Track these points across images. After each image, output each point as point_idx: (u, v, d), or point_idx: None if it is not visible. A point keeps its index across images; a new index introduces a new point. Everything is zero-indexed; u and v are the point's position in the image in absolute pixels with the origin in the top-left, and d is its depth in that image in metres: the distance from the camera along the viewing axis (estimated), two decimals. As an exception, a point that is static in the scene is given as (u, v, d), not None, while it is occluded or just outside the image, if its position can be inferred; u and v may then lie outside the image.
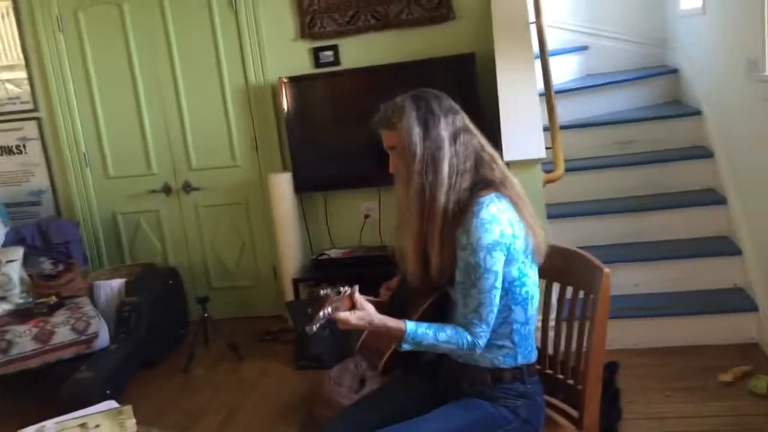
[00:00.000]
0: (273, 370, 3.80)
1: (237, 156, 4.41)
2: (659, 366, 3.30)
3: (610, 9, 5.09)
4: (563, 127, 4.19)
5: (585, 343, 1.97)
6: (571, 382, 2.03)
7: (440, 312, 1.95)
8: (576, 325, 2.02)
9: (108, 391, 3.32)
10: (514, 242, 1.81)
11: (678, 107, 4.50)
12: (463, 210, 1.81)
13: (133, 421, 2.27)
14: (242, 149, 4.39)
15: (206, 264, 4.60)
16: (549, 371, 2.11)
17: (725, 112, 3.73)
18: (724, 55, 3.66)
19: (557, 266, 2.07)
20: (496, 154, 1.93)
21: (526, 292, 1.87)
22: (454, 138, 1.85)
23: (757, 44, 3.02)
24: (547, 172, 3.54)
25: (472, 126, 1.92)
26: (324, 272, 4.06)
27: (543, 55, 3.85)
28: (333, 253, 4.16)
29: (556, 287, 2.13)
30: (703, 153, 4.03)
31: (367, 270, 3.89)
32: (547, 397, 2.07)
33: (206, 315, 4.06)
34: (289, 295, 4.11)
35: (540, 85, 3.78)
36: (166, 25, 4.31)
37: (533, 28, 3.84)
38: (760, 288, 3.33)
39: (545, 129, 3.72)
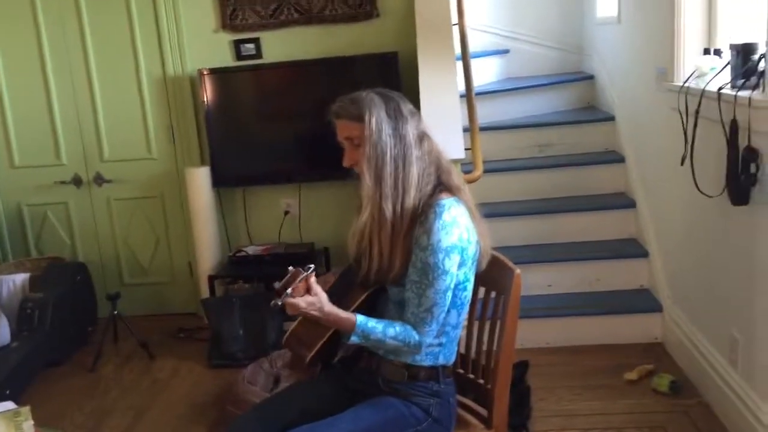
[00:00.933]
0: (186, 369, 3.70)
1: (153, 148, 4.28)
2: (569, 364, 3.39)
3: (530, 14, 5.19)
4: (483, 129, 4.24)
5: (495, 343, 1.98)
6: (481, 381, 2.05)
7: (373, 307, 1.96)
8: (487, 325, 2.04)
9: (7, 392, 3.18)
10: (468, 247, 1.85)
11: (593, 113, 4.63)
12: (424, 211, 1.82)
13: (31, 422, 2.16)
14: (159, 141, 4.26)
15: (118, 259, 4.45)
16: (460, 371, 2.12)
17: (636, 119, 3.86)
18: (637, 63, 3.79)
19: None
20: (451, 162, 1.95)
21: (465, 297, 1.90)
22: (420, 140, 1.86)
23: (667, 54, 3.13)
24: (467, 172, 3.57)
25: (429, 132, 1.93)
26: (241, 269, 3.99)
27: (465, 56, 3.88)
28: (251, 249, 4.08)
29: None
30: (615, 158, 4.16)
31: (286, 267, 3.82)
32: (458, 397, 2.08)
33: (116, 312, 3.92)
34: (205, 292, 4.01)
35: (461, 87, 3.82)
36: (79, 7, 4.13)
37: (456, 30, 3.88)
38: (664, 289, 3.46)
39: (465, 130, 3.76)
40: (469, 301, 1.93)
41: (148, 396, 3.44)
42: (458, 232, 1.80)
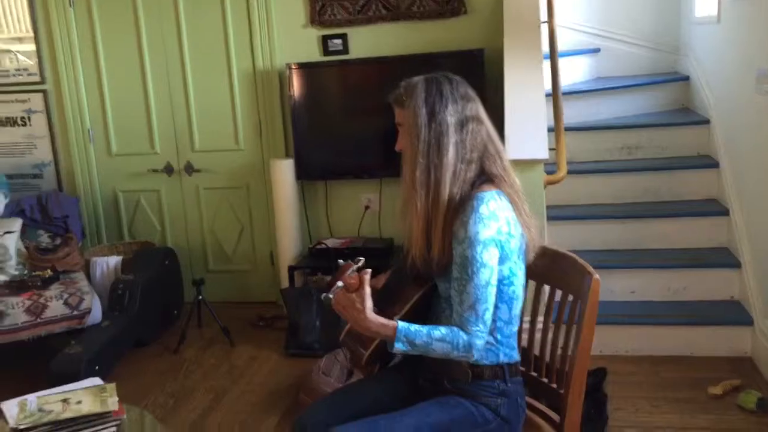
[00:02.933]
0: (263, 356, 3.79)
1: (241, 140, 4.40)
2: (650, 374, 3.28)
3: (624, 13, 5.04)
4: (571, 129, 4.18)
5: (571, 348, 1.94)
6: (554, 386, 2.01)
7: (429, 307, 1.94)
8: (563, 329, 2.00)
9: (96, 368, 3.33)
10: (510, 241, 1.81)
11: (687, 115, 4.46)
12: (463, 202, 1.80)
13: (116, 399, 2.26)
14: (246, 133, 4.38)
15: (204, 246, 4.60)
16: (534, 374, 2.09)
17: (733, 123, 3.69)
18: (736, 65, 3.62)
19: (549, 268, 2.05)
20: (502, 149, 1.92)
21: (513, 291, 1.86)
22: (461, 125, 1.83)
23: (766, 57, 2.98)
24: (550, 173, 3.51)
25: (484, 116, 1.90)
26: (320, 261, 4.05)
27: (553, 55, 3.81)
28: (330, 242, 4.14)
29: (546, 289, 2.11)
30: (708, 162, 3.99)
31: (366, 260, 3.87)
32: (530, 400, 2.06)
33: (200, 297, 4.05)
34: (285, 282, 4.09)
35: (548, 86, 3.76)
36: (177, 4, 4.29)
37: (545, 28, 3.82)
38: (756, 302, 3.30)
39: (550, 130, 3.69)
40: (521, 296, 1.90)
41: (226, 380, 3.54)
42: (497, 226, 1.77)
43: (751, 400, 2.91)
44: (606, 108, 4.55)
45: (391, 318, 1.81)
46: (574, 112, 4.39)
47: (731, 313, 3.45)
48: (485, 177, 1.84)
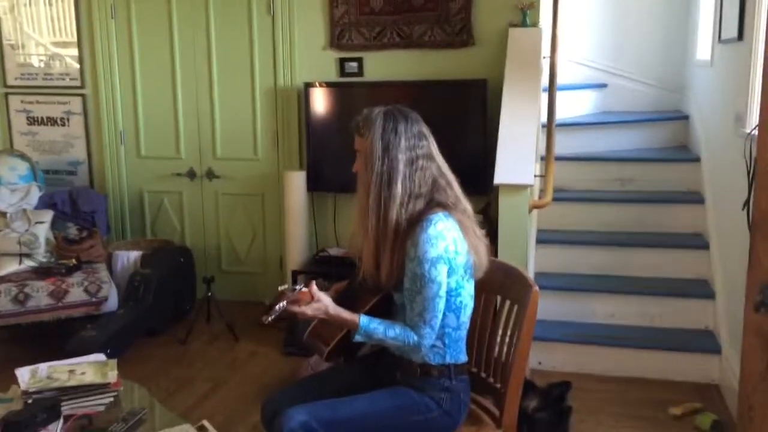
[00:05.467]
0: (262, 353, 4.07)
1: (259, 150, 4.71)
2: (618, 393, 3.48)
3: (632, 51, 5.25)
4: (570, 159, 4.40)
5: (511, 351, 2.17)
6: (497, 385, 2.24)
7: (383, 312, 2.18)
8: (507, 335, 2.23)
9: (108, 351, 3.62)
10: (456, 258, 2.04)
11: (683, 152, 4.65)
12: (413, 224, 2.02)
13: (115, 373, 2.55)
14: (264, 145, 4.69)
15: (219, 247, 4.91)
16: (483, 374, 2.32)
17: (716, 161, 3.89)
18: (722, 106, 3.82)
19: (499, 280, 2.28)
20: (453, 180, 2.14)
21: (460, 302, 2.10)
22: (411, 163, 2.05)
23: (743, 100, 3.19)
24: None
25: (436, 153, 2.12)
26: (322, 267, 4.31)
27: (551, 88, 4.04)
28: (333, 251, 4.41)
29: (497, 299, 2.34)
30: (696, 198, 4.18)
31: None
32: (477, 396, 2.29)
33: (210, 294, 4.35)
34: (289, 285, 4.36)
35: (544, 117, 3.99)
36: (209, 22, 4.64)
37: (548, 63, 4.06)
38: (725, 331, 3.48)
39: (543, 158, 3.93)
40: (468, 305, 2.13)
41: (226, 372, 3.82)
42: (444, 244, 2.00)
43: (706, 422, 3.09)
44: (607, 141, 4.76)
45: None
46: (576, 143, 4.61)
47: (702, 342, 3.63)
48: (434, 203, 2.06)
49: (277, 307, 2.03)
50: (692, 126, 4.72)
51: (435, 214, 2.02)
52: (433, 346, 2.09)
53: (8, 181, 4.37)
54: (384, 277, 2.07)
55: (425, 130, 2.12)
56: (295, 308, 2.04)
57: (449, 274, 2.04)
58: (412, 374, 2.12)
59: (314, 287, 2.08)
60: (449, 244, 2.01)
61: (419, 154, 2.06)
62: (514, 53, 3.94)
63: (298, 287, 2.09)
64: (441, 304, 2.03)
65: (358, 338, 2.06)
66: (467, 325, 2.16)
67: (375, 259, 2.09)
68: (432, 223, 2.00)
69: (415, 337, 2.03)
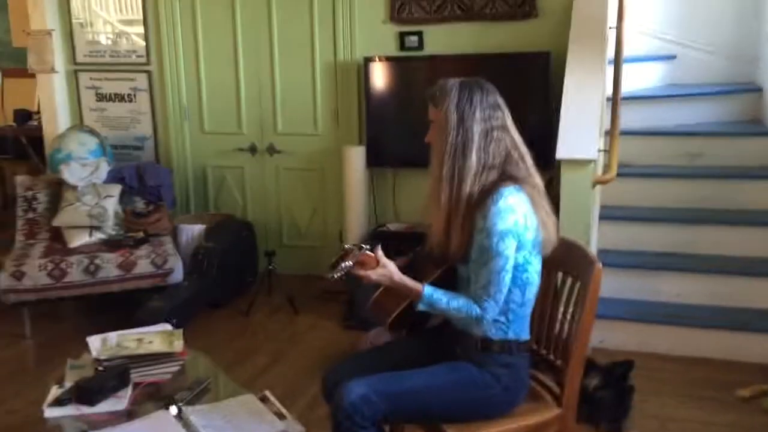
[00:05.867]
0: (322, 326, 4.12)
1: (319, 126, 4.74)
2: (683, 373, 3.40)
3: (702, 21, 5.03)
4: (636, 133, 4.27)
5: (573, 327, 2.14)
6: (557, 362, 2.21)
7: (447, 285, 2.16)
8: (569, 312, 2.20)
9: (174, 321, 3.73)
10: (525, 232, 2.02)
11: (755, 126, 4.46)
12: (485, 196, 2.02)
13: (181, 342, 2.64)
14: (324, 120, 4.71)
15: (280, 221, 4.98)
16: (544, 351, 2.29)
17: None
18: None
19: (561, 256, 2.24)
20: (526, 152, 2.12)
21: (527, 278, 2.08)
22: (486, 134, 2.04)
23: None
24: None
25: (510, 124, 2.10)
26: (381, 242, 4.30)
27: (617, 60, 3.91)
28: (393, 226, 4.43)
29: (558, 275, 2.30)
30: (769, 174, 4.02)
31: (423, 245, 4.12)
32: (538, 374, 2.27)
33: (271, 267, 4.43)
34: (349, 260, 4.40)
35: (610, 90, 3.88)
36: (270, -1, 4.68)
37: (613, 34, 3.94)
38: (798, 313, 3.36)
39: (607, 133, 3.83)
40: (535, 282, 2.10)
41: (287, 344, 3.89)
42: (514, 218, 1.98)
43: (776, 404, 3.00)
44: (675, 115, 4.58)
45: None
46: (643, 117, 4.46)
47: (773, 322, 3.51)
48: (506, 176, 2.05)
49: (342, 265, 2.03)
50: (765, 99, 4.51)
51: (506, 187, 2.01)
52: (496, 320, 2.07)
53: (78, 156, 4.51)
54: (453, 248, 2.07)
55: (500, 101, 2.10)
56: (361, 272, 2.05)
57: (517, 249, 2.02)
58: (472, 348, 2.11)
59: (380, 252, 2.08)
60: (519, 218, 2.00)
61: (494, 125, 2.05)
62: (579, 24, 3.84)
63: (364, 247, 2.08)
64: (507, 279, 2.01)
65: (421, 307, 2.06)
66: (532, 303, 2.14)
67: (446, 230, 2.08)
68: (503, 196, 1.99)
69: (478, 310, 2.02)
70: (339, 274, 2.04)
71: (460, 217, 2.04)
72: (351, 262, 2.04)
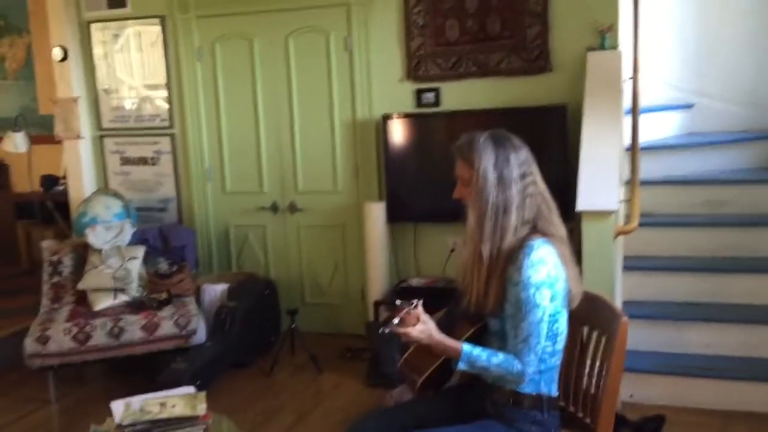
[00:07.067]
0: (346, 384, 4.08)
1: (339, 183, 4.78)
2: (715, 427, 3.31)
3: (719, 69, 5.04)
4: (656, 183, 4.26)
5: (600, 384, 2.10)
6: (588, 420, 2.17)
7: (478, 342, 2.15)
8: (596, 367, 2.17)
9: (198, 382, 3.70)
10: (556, 283, 2.04)
11: (777, 173, 4.43)
12: (515, 251, 2.04)
13: (204, 405, 2.61)
14: (344, 177, 4.76)
15: (302, 279, 4.98)
16: (572, 409, 2.25)
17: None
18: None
19: (586, 310, 2.22)
20: (554, 206, 2.14)
21: (557, 328, 2.08)
22: (523, 191, 2.07)
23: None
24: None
25: (539, 178, 2.13)
26: (403, 297, 4.28)
27: (634, 110, 3.95)
28: (415, 281, 4.41)
29: (584, 330, 2.28)
30: (794, 222, 3.97)
31: (444, 300, 4.09)
32: (566, 432, 2.23)
33: (293, 326, 4.41)
34: (371, 316, 4.39)
35: (628, 141, 3.89)
36: (289, 60, 4.77)
37: (630, 85, 3.97)
38: (833, 362, 3.27)
39: (628, 183, 3.82)
40: (564, 333, 2.09)
41: (311, 403, 3.86)
42: (546, 270, 2.00)
43: (816, 459, 2.89)
44: (695, 164, 4.55)
45: None
46: (661, 166, 4.45)
47: (808, 373, 3.41)
48: (536, 230, 2.07)
49: (394, 320, 2.04)
50: (787, 146, 4.49)
51: (535, 240, 2.03)
52: (531, 373, 2.05)
53: (104, 219, 4.58)
54: (491, 304, 2.07)
55: (530, 155, 2.13)
56: (401, 329, 2.04)
57: (550, 300, 2.02)
58: (503, 404, 2.08)
59: (421, 309, 2.08)
60: (551, 270, 2.02)
61: (528, 181, 2.08)
62: (594, 77, 3.88)
63: (414, 302, 2.08)
64: (544, 330, 2.02)
65: (460, 366, 2.05)
66: (561, 355, 2.12)
67: (486, 287, 2.08)
68: (534, 249, 2.01)
69: (519, 366, 2.01)
70: (389, 330, 2.05)
71: (498, 273, 2.06)
72: (397, 320, 2.04)
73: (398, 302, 2.12)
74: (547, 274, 2.00)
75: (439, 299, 4.29)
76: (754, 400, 3.43)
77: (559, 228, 2.12)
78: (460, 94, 4.41)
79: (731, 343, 3.64)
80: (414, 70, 4.48)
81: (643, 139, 3.99)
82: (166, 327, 4.03)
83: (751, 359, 3.57)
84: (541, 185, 2.13)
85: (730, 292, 3.84)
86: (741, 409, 3.43)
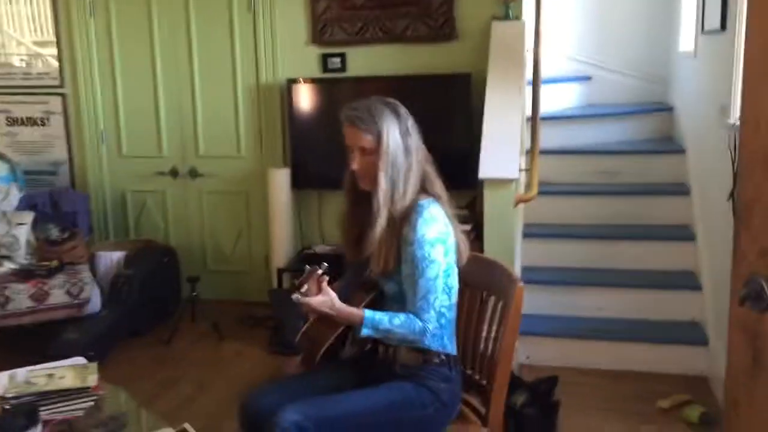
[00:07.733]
0: (248, 352, 4.03)
1: (242, 148, 4.66)
2: (606, 387, 3.46)
3: (616, 44, 5.23)
4: (554, 152, 4.38)
5: (495, 346, 2.15)
6: (484, 382, 2.21)
7: (377, 308, 2.15)
8: (493, 331, 2.21)
9: (91, 353, 3.57)
10: (448, 238, 2.08)
11: (668, 144, 4.64)
12: (407, 212, 2.06)
13: (95, 376, 2.50)
14: (247, 142, 4.64)
15: (204, 247, 4.86)
16: (469, 371, 2.29)
17: (701, 153, 3.88)
18: (706, 97, 3.81)
19: (484, 276, 2.26)
20: (433, 168, 2.17)
21: (452, 282, 2.11)
22: (417, 154, 2.10)
23: (727, 91, 3.17)
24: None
25: (420, 143, 2.15)
26: (309, 264, 4.26)
27: (536, 81, 4.00)
28: (319, 248, 4.38)
29: (482, 295, 2.31)
30: (682, 190, 4.17)
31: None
32: (464, 394, 2.27)
33: (194, 294, 4.31)
34: (275, 284, 4.33)
35: (529, 111, 3.96)
36: (189, 19, 4.59)
37: (531, 56, 4.03)
38: (712, 324, 3.47)
39: (528, 152, 3.90)
40: (455, 288, 2.12)
41: (211, 372, 3.78)
42: (437, 227, 2.05)
43: (694, 414, 3.08)
44: (592, 134, 4.74)
45: None
46: (561, 136, 4.58)
47: (690, 334, 3.62)
48: (423, 191, 2.11)
49: (304, 288, 2.01)
50: (677, 117, 4.71)
51: (425, 200, 2.08)
52: (433, 329, 2.06)
53: (-13, 183, 4.30)
54: (389, 266, 2.07)
55: (413, 120, 2.14)
56: (303, 299, 2.02)
57: (444, 255, 2.06)
58: (413, 362, 2.10)
59: (325, 280, 2.05)
60: (441, 227, 2.07)
61: (418, 145, 2.12)
62: (498, 47, 3.91)
63: (325, 265, 2.06)
64: (440, 286, 2.04)
65: (364, 332, 2.04)
66: (455, 309, 2.16)
67: (388, 250, 2.07)
68: (425, 208, 2.06)
69: (420, 323, 2.02)
70: (297, 297, 2.02)
71: (395, 236, 2.07)
72: (305, 287, 2.02)
73: (307, 267, 2.08)
74: (438, 231, 2.05)
75: (344, 266, 4.31)
76: (639, 359, 3.61)
77: (442, 189, 2.16)
78: (366, 60, 4.36)
79: (620, 307, 3.82)
80: (320, 34, 4.40)
81: (544, 109, 4.07)
82: (57, 296, 3.85)
83: (640, 321, 3.76)
84: (424, 148, 2.16)
85: (621, 258, 4.02)
86: (630, 368, 3.60)
